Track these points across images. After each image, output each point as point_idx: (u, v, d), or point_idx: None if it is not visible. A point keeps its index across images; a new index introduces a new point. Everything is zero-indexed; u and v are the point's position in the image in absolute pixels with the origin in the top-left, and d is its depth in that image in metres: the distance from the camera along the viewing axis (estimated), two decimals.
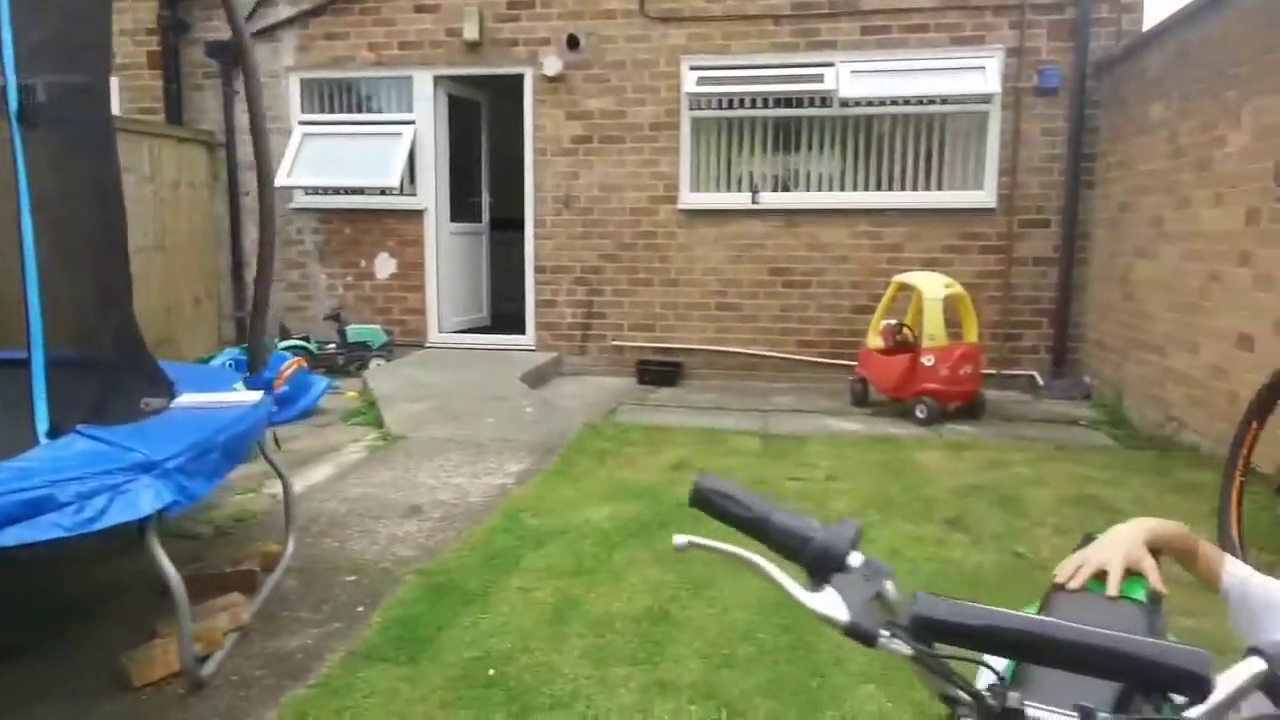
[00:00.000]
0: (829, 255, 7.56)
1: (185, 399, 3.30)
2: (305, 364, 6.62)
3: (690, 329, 7.84)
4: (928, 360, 6.14)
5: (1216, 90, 5.10)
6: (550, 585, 3.38)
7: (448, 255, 8.32)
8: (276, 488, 4.26)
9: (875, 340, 6.60)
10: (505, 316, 8.75)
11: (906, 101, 7.34)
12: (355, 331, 7.77)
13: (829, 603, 0.86)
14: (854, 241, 7.52)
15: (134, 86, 8.47)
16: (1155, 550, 1.56)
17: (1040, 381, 7.24)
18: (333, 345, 7.71)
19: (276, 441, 3.89)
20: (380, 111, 8.21)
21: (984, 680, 1.24)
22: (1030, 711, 0.83)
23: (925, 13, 7.20)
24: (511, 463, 5.13)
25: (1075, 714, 0.82)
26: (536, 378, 7.30)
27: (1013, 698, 0.83)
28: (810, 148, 7.63)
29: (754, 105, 7.56)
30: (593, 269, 7.90)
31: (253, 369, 3.64)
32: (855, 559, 0.92)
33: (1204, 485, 4.28)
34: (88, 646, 2.95)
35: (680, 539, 0.94)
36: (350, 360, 7.63)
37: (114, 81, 8.39)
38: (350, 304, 8.20)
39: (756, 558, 0.92)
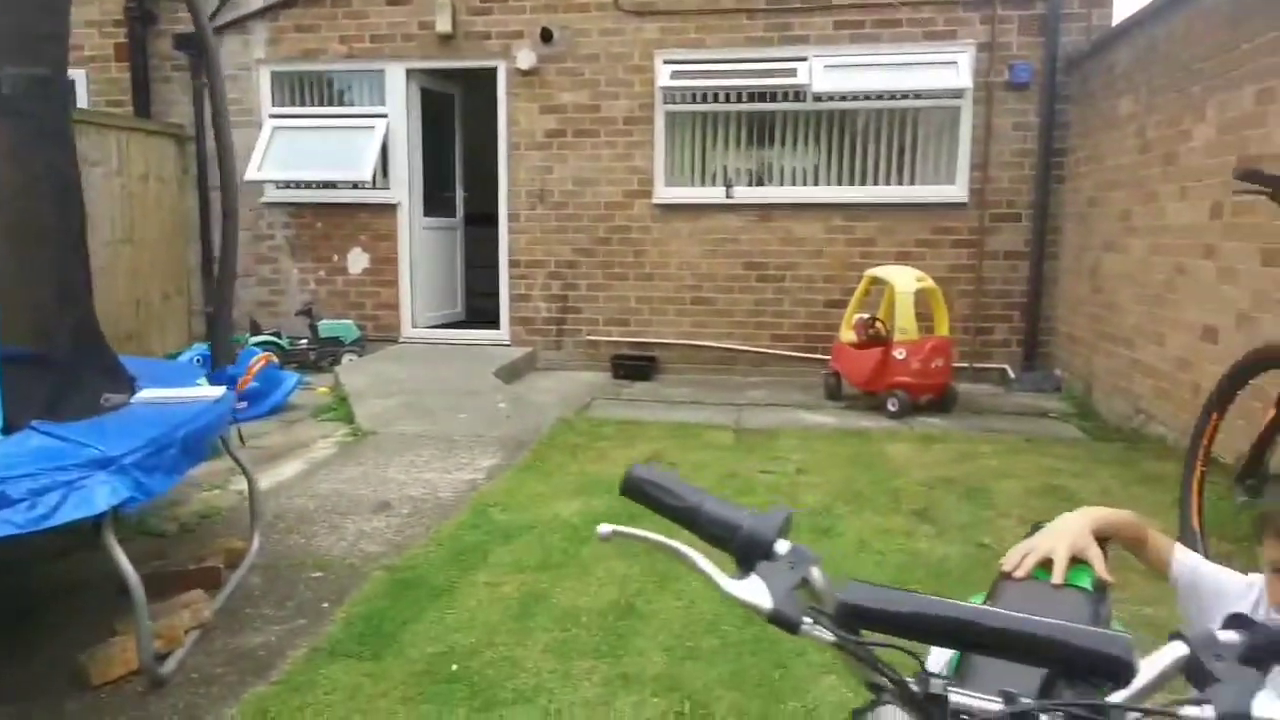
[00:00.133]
0: (803, 249, 7.58)
1: (146, 394, 3.26)
2: (276, 360, 6.56)
3: (665, 323, 7.84)
4: (899, 354, 6.17)
5: (1182, 85, 5.15)
6: (517, 580, 3.36)
7: (421, 250, 8.26)
8: (243, 484, 4.22)
9: (848, 334, 6.62)
10: (480, 312, 8.71)
11: (879, 96, 7.36)
12: (327, 327, 7.71)
13: (753, 590, 0.85)
14: (827, 236, 7.54)
15: (101, 79, 8.35)
16: (1103, 539, 1.56)
17: (1011, 375, 7.29)
18: (304, 341, 7.65)
19: (241, 438, 3.85)
20: (352, 105, 8.14)
21: (935, 664, 1.24)
22: (954, 697, 0.83)
23: (897, 8, 7.22)
24: (483, 458, 5.11)
25: (999, 700, 0.82)
26: (510, 373, 7.27)
27: (936, 683, 0.83)
28: (784, 142, 7.64)
29: (728, 100, 7.56)
30: (567, 263, 7.88)
31: (216, 364, 3.61)
32: (782, 547, 0.92)
33: (1169, 476, 4.32)
34: (46, 645, 2.91)
35: (604, 528, 0.93)
36: (322, 356, 7.57)
37: (81, 74, 8.28)
38: (322, 299, 8.13)
39: (681, 546, 0.91)
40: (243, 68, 8.13)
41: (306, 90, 8.19)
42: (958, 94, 7.19)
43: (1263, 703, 0.76)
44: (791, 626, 0.83)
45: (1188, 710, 0.77)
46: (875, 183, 7.53)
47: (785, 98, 7.45)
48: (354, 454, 5.20)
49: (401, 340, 8.12)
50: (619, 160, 7.70)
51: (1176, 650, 0.83)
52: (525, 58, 7.56)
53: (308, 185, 8.11)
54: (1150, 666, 0.82)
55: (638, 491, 0.99)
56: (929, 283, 6.37)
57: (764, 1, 7.35)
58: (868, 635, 0.87)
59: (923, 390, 6.23)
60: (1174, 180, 5.20)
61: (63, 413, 2.87)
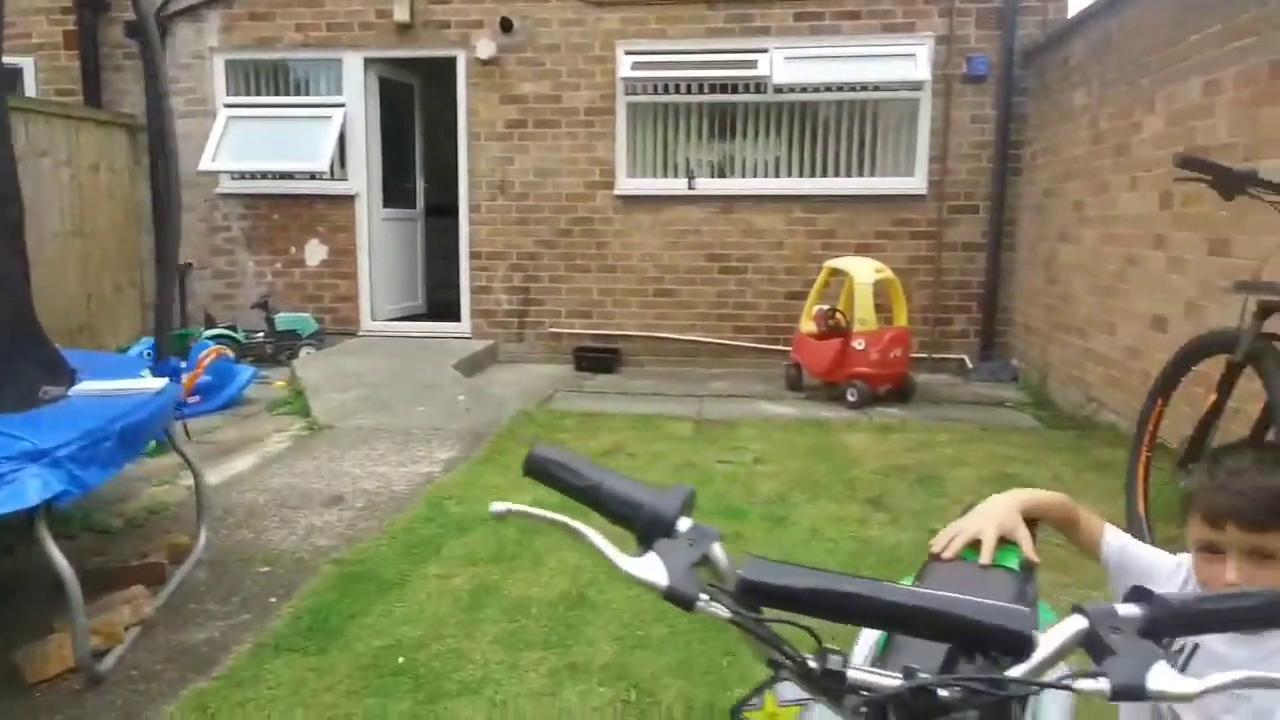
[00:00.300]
0: (764, 241, 7.59)
1: (84, 386, 3.19)
2: (230, 353, 6.46)
3: (628, 315, 7.82)
4: (858, 344, 6.20)
5: (1133, 78, 5.21)
6: (469, 572, 3.33)
7: (380, 241, 8.17)
8: (193, 479, 4.15)
9: (808, 325, 6.64)
10: (443, 304, 8.63)
11: (839, 88, 7.38)
12: (284, 320, 7.60)
13: (649, 568, 0.84)
14: (789, 228, 7.56)
15: (50, 67, 8.16)
16: (1033, 520, 1.57)
17: (969, 365, 7.37)
18: (261, 334, 7.54)
19: (187, 431, 3.78)
20: (309, 94, 8.02)
21: (863, 647, 1.24)
22: (852, 673, 0.82)
23: (857, 0, 7.24)
24: (440, 451, 5.06)
25: (899, 675, 0.82)
26: (471, 366, 7.21)
27: (834, 660, 0.82)
28: (746, 134, 7.64)
29: (689, 91, 7.55)
30: (529, 255, 7.82)
31: (159, 356, 3.53)
32: (684, 524, 0.91)
33: (1119, 463, 4.35)
34: None
35: (498, 506, 0.92)
36: (279, 349, 7.46)
37: (29, 62, 8.09)
38: (279, 292, 8.01)
39: (576, 523, 0.90)
40: (196, 56, 7.98)
41: (262, 79, 8.06)
42: (916, 86, 7.24)
43: (1158, 675, 0.76)
44: (686, 603, 0.81)
45: (1083, 683, 0.77)
46: (836, 175, 7.55)
47: (746, 89, 7.45)
48: (308, 448, 5.13)
49: (361, 333, 8.02)
50: (580, 151, 7.66)
51: (1076, 624, 0.82)
52: (485, 47, 7.49)
53: (263, 176, 7.98)
54: (1050, 640, 0.82)
55: (540, 471, 0.97)
56: (887, 274, 6.41)
57: None
58: (773, 614, 0.86)
59: (881, 380, 6.27)
60: (1125, 171, 5.27)
61: None
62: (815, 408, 6.24)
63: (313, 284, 8.04)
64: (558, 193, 7.70)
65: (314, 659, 2.75)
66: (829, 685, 0.81)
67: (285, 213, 8.00)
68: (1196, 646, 1.45)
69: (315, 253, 8.01)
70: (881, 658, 1.03)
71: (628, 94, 7.55)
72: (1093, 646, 0.81)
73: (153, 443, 4.69)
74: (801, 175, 7.58)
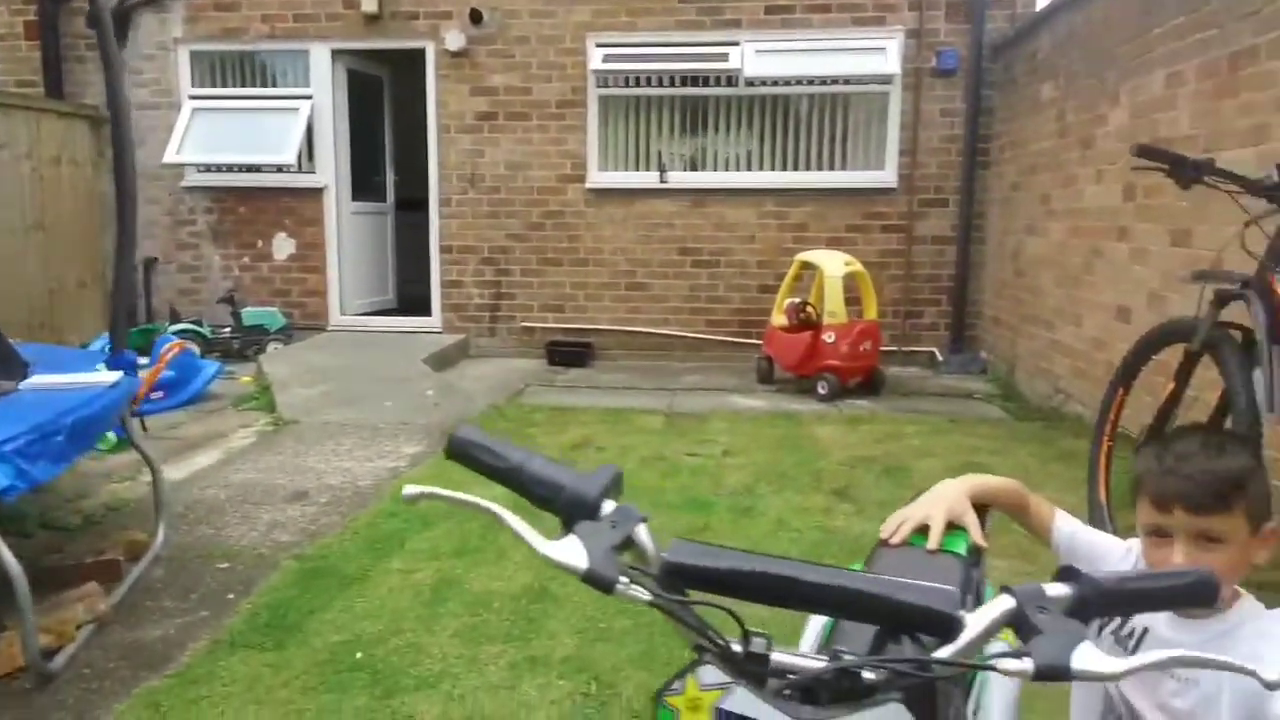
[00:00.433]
0: (736, 235, 7.58)
1: (35, 380, 3.12)
2: (194, 347, 6.38)
3: (601, 309, 7.79)
4: (828, 337, 6.21)
5: (1098, 71, 5.25)
6: (432, 566, 3.30)
7: (350, 235, 8.09)
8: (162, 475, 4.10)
9: (779, 318, 6.65)
10: (413, 299, 8.55)
11: (810, 82, 7.39)
12: (251, 314, 7.50)
13: (568, 551, 0.82)
14: (760, 221, 7.56)
15: (11, 58, 8.00)
16: (984, 505, 1.57)
17: (939, 357, 7.40)
18: (227, 329, 7.44)
19: (144, 426, 3.72)
20: (276, 86, 7.91)
21: (810, 634, 1.22)
22: (776, 656, 0.80)
23: None
24: (407, 446, 5.01)
25: (824, 658, 0.80)
26: (441, 360, 7.16)
27: (758, 643, 0.80)
28: (717, 127, 7.62)
29: (661, 84, 7.52)
30: (500, 249, 7.77)
31: (115, 349, 3.46)
32: (608, 506, 0.89)
33: (1085, 453, 4.35)
34: None
35: (410, 489, 0.89)
36: (246, 344, 7.36)
37: None
38: (247, 286, 7.91)
39: (493, 506, 0.88)
40: (160, 47, 7.85)
41: (228, 70, 7.94)
42: (886, 80, 7.25)
43: (1083, 655, 0.75)
44: (605, 586, 0.79)
45: (1007, 663, 0.76)
46: (807, 168, 7.56)
47: (718, 82, 7.43)
48: (273, 443, 5.07)
49: (330, 328, 7.94)
50: (552, 144, 7.61)
51: (1004, 603, 0.81)
52: (454, 39, 7.42)
53: (230, 169, 7.87)
54: (977, 621, 0.81)
55: (461, 454, 0.95)
56: (857, 267, 6.42)
57: None
58: (707, 599, 0.84)
59: (851, 373, 6.29)
60: (1090, 163, 5.30)
61: None
62: (786, 400, 6.24)
63: (281, 278, 7.94)
64: (529, 186, 7.66)
65: (270, 655, 2.71)
66: (752, 668, 0.79)
67: (252, 206, 7.90)
68: (1146, 631, 1.45)
69: (283, 247, 7.91)
70: (827, 643, 1.02)
71: (599, 87, 7.51)
72: (1020, 626, 0.80)
73: (113, 439, 4.63)
74: (773, 169, 7.58)
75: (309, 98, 7.70)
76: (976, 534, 1.42)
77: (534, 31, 7.47)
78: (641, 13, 7.40)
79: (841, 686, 0.78)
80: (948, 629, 0.80)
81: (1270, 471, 3.43)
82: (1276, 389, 2.63)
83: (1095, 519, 3.30)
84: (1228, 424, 2.76)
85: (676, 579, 0.82)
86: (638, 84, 7.53)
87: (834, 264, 6.33)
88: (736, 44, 7.28)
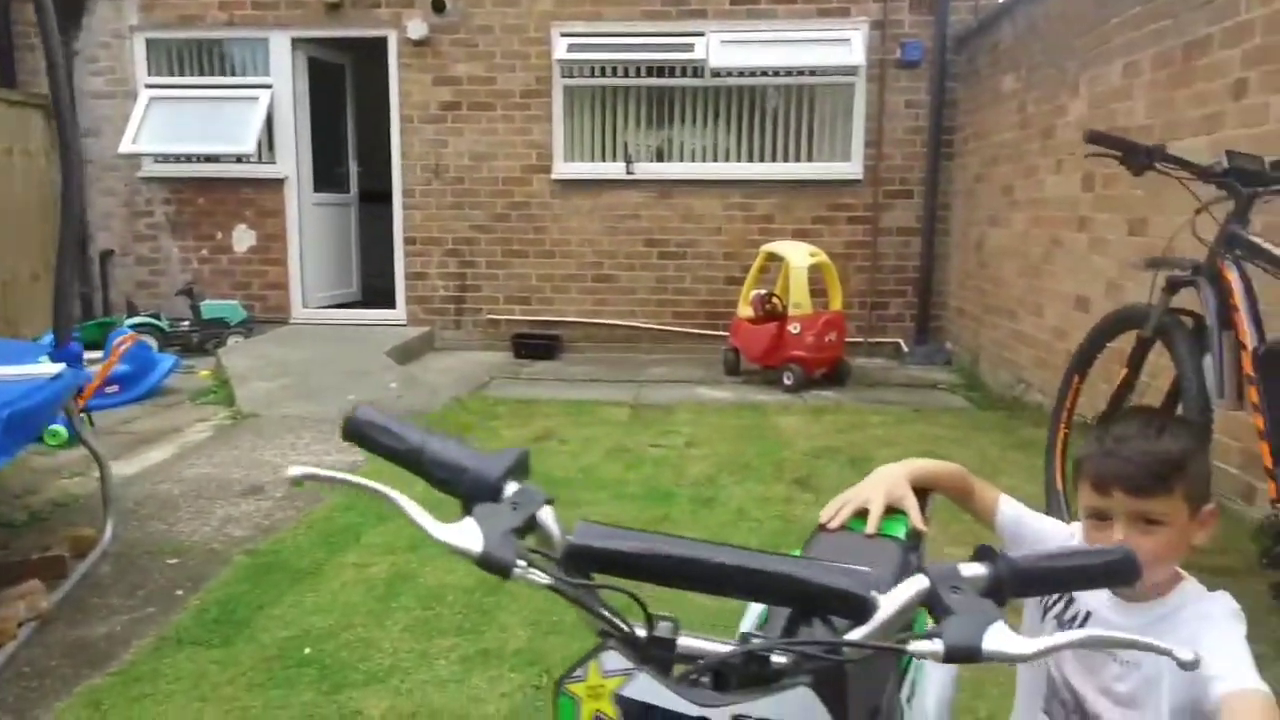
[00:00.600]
0: (703, 226, 7.56)
1: None
2: (150, 341, 6.26)
3: (568, 301, 7.74)
4: (794, 328, 6.21)
5: (1058, 62, 5.27)
6: (387, 561, 3.25)
7: (312, 227, 7.97)
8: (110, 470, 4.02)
9: (745, 310, 6.64)
10: (379, 292, 8.44)
11: (776, 73, 7.38)
12: (210, 307, 7.37)
13: (463, 534, 0.78)
14: (727, 213, 7.54)
15: None
16: (926, 489, 1.55)
17: (904, 348, 7.43)
18: (186, 322, 7.31)
19: (90, 420, 3.63)
20: (235, 74, 7.77)
21: (748, 620, 1.20)
22: (683, 641, 0.78)
23: None
24: None
25: (731, 642, 0.78)
26: (405, 353, 7.08)
27: (663, 627, 0.78)
28: (683, 118, 7.59)
29: (626, 74, 7.48)
30: (465, 240, 7.70)
31: (59, 341, 3.37)
32: (511, 488, 0.86)
33: (1044, 441, 4.42)
34: None
35: (294, 469, 0.86)
36: (205, 338, 7.24)
37: None
38: (206, 279, 7.77)
39: (383, 488, 0.84)
40: (116, 35, 7.69)
41: (186, 59, 7.79)
42: (851, 71, 7.26)
43: (995, 635, 0.73)
44: (502, 570, 0.76)
45: (917, 644, 0.73)
46: (773, 160, 7.55)
47: (684, 73, 7.40)
48: (230, 437, 4.98)
49: (292, 321, 7.83)
50: (517, 134, 7.54)
51: (917, 584, 0.79)
52: (416, 28, 7.33)
53: (188, 159, 7.73)
54: (890, 602, 0.78)
55: (358, 435, 0.91)
56: (822, 257, 6.42)
57: None
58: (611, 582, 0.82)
59: (817, 364, 6.29)
60: (1051, 154, 5.34)
61: None
62: (752, 391, 6.24)
63: (241, 271, 7.82)
64: (494, 177, 7.59)
65: (217, 652, 2.65)
66: (656, 653, 0.76)
67: (211, 197, 7.76)
68: (1089, 615, 1.44)
69: (243, 238, 7.79)
70: (761, 629, 0.99)
71: (564, 76, 7.45)
72: (933, 607, 0.78)
73: (65, 434, 4.52)
74: (739, 160, 7.57)
75: (269, 87, 7.58)
76: (916, 518, 1.40)
77: (497, 20, 7.40)
78: (606, 2, 7.35)
79: (749, 671, 0.76)
80: (861, 611, 0.78)
81: (1220, 456, 3.46)
82: (1226, 374, 2.65)
83: (1052, 506, 3.32)
84: (1179, 410, 2.78)
85: (581, 562, 0.79)
86: (603, 74, 7.48)
87: (799, 255, 6.33)
88: (702, 35, 7.25)
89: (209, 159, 7.66)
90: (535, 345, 7.52)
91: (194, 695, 2.44)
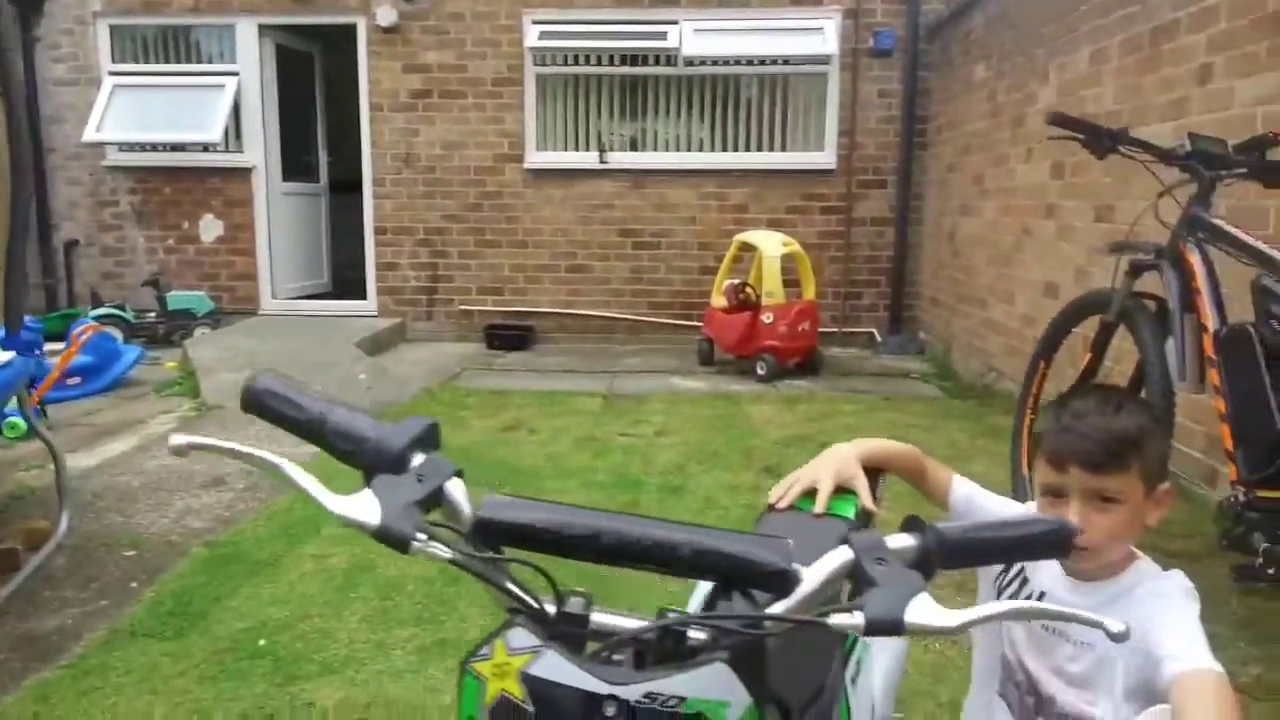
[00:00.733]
0: (677, 216, 7.52)
1: None
2: (114, 332, 6.16)
3: (541, 292, 7.68)
4: (767, 318, 6.19)
5: (1028, 49, 5.28)
6: (347, 552, 3.20)
7: (281, 216, 7.86)
8: (66, 462, 3.94)
9: (719, 300, 6.61)
10: (351, 283, 8.35)
11: (749, 62, 7.35)
12: (177, 299, 7.26)
13: (360, 506, 0.75)
14: (701, 203, 7.51)
15: None
16: (878, 469, 1.53)
17: (878, 338, 7.44)
18: (152, 314, 7.19)
19: (44, 411, 3.56)
20: (201, 62, 7.65)
21: (696, 600, 1.17)
22: (597, 616, 0.75)
23: None
24: None
25: (650, 618, 0.74)
26: (376, 344, 7.00)
27: (575, 602, 0.74)
28: (657, 107, 7.55)
29: (599, 63, 7.42)
30: (437, 230, 7.62)
31: (9, 329, 3.28)
32: (416, 459, 0.82)
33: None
34: None
35: (177, 439, 0.81)
36: (172, 329, 7.13)
37: None
38: (173, 269, 7.65)
39: (270, 456, 0.80)
40: (79, 21, 7.55)
41: (151, 46, 7.66)
42: (825, 60, 7.23)
43: (918, 607, 0.70)
44: (400, 544, 0.73)
45: (837, 618, 0.70)
46: (747, 149, 7.52)
47: (657, 61, 7.35)
48: (194, 429, 4.89)
49: (261, 312, 7.73)
50: (489, 123, 7.47)
51: (841, 555, 0.76)
52: (385, 15, 7.23)
53: (154, 148, 7.60)
54: (814, 575, 0.75)
55: (257, 405, 0.87)
56: (795, 247, 6.41)
57: None
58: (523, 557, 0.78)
59: (790, 353, 6.28)
60: (1021, 142, 5.34)
61: None
62: (725, 381, 6.22)
63: (209, 261, 7.71)
64: (465, 166, 7.51)
65: (170, 644, 2.60)
66: (566, 630, 0.73)
67: (177, 186, 7.64)
68: (1044, 595, 1.42)
69: (210, 228, 7.67)
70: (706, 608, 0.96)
71: (536, 65, 7.39)
72: (858, 579, 0.75)
73: (23, 426, 4.43)
74: (713, 150, 7.54)
75: (235, 74, 7.46)
76: (866, 497, 1.38)
77: (468, 7, 7.32)
78: None
79: (664, 647, 0.73)
80: (783, 584, 0.75)
81: (1184, 440, 3.46)
82: (1188, 357, 2.65)
83: (1018, 490, 3.31)
84: (1143, 393, 2.77)
85: (489, 536, 0.76)
86: (576, 62, 7.42)
87: (772, 245, 6.31)
88: (675, 23, 7.20)
89: (175, 148, 7.54)
90: (508, 336, 7.46)
91: (144, 688, 2.38)
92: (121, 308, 7.12)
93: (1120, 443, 1.30)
